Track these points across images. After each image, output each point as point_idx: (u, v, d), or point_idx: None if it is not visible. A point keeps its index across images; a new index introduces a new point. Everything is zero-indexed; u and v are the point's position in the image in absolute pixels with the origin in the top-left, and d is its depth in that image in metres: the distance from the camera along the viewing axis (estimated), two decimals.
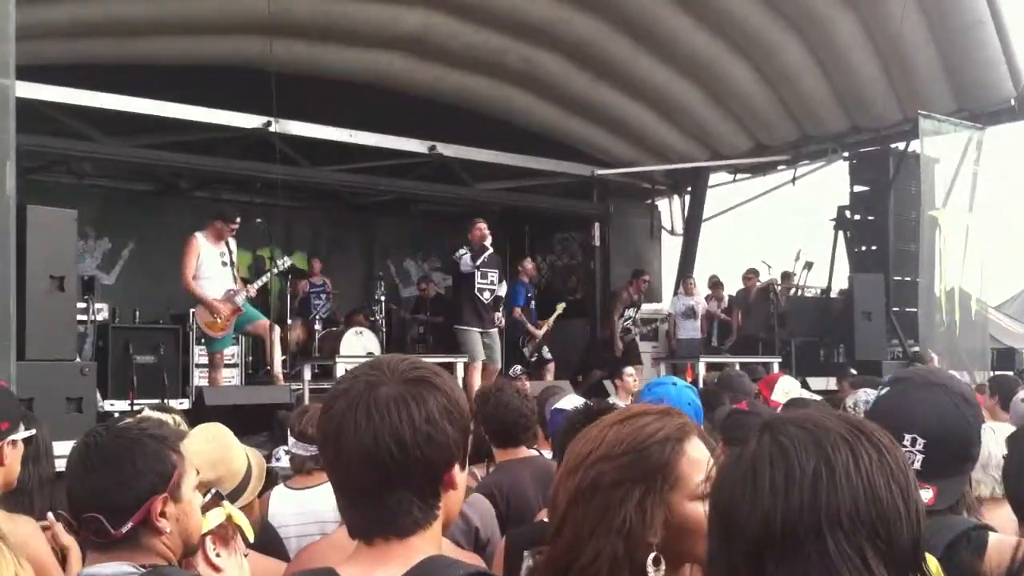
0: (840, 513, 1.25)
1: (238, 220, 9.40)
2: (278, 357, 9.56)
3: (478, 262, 10.04)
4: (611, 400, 9.03)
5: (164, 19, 10.89)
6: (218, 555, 2.40)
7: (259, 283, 9.89)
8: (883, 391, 2.31)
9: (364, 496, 1.57)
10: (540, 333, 12.23)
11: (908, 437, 2.11)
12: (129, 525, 2.11)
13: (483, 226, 10.22)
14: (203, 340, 9.98)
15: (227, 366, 11.09)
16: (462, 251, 10.14)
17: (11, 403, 2.82)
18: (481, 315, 10.13)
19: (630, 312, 13.08)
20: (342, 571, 1.57)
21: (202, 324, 9.35)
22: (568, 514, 1.64)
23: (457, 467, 1.61)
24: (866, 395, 6.00)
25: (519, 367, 10.92)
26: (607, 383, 11.26)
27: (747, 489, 1.30)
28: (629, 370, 10.01)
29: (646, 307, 13.75)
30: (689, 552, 1.64)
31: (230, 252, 9.36)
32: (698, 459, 1.67)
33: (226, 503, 2.48)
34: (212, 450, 3.09)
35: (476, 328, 10.09)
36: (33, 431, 2.86)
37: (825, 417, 1.37)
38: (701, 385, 9.45)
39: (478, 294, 10.12)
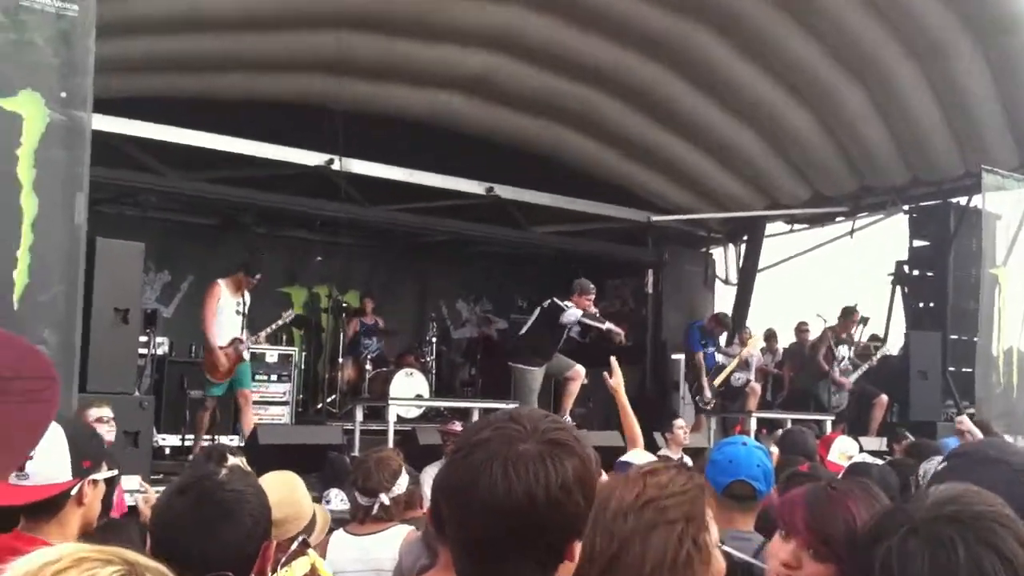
0: None
1: (259, 277, 9.49)
2: (249, 425, 9.30)
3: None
4: (661, 452, 8.95)
5: (234, 56, 11.05)
6: None
7: (266, 332, 9.92)
8: (940, 467, 2.20)
9: (485, 557, 1.53)
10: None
11: None
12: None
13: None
14: (201, 383, 9.70)
15: (278, 403, 11.16)
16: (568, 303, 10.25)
17: (94, 442, 2.82)
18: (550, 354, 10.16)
19: (843, 351, 12.30)
20: None
21: (205, 368, 9.35)
22: (620, 554, 1.74)
23: (577, 539, 1.56)
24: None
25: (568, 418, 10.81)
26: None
27: None
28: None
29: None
30: None
31: (245, 303, 9.42)
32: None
33: (311, 552, 2.50)
34: (278, 490, 3.14)
35: (541, 368, 10.07)
36: (115, 471, 2.85)
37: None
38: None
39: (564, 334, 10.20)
